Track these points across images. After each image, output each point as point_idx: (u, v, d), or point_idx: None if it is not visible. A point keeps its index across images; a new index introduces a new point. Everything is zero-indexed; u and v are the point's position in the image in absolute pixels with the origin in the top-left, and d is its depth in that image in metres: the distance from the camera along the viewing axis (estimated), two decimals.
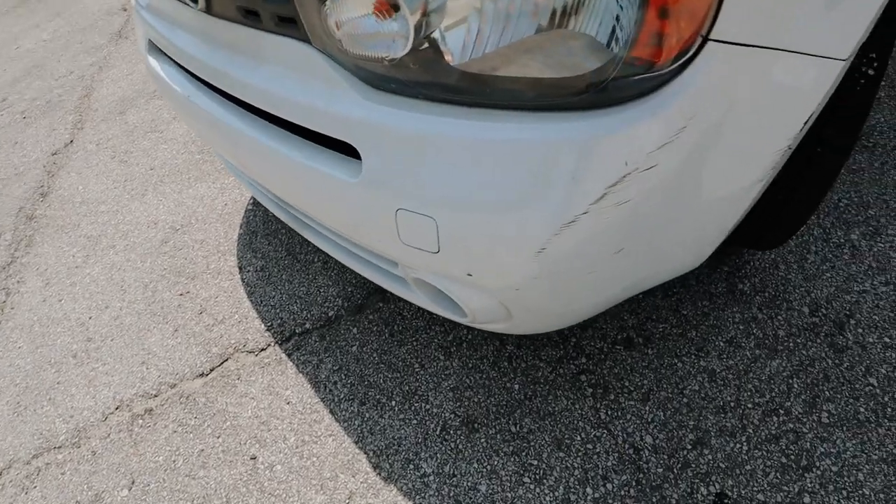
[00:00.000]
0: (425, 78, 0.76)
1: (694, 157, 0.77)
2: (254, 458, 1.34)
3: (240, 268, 1.72)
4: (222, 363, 1.52)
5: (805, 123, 0.84)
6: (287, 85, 0.91)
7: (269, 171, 1.06)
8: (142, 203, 2.02)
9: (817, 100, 0.83)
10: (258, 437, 1.36)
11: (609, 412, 1.23)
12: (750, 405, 1.19)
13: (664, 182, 0.77)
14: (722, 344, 1.29)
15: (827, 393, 1.18)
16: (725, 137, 0.78)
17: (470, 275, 0.87)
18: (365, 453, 1.29)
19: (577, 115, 0.72)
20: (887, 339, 1.24)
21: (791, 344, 1.26)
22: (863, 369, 1.21)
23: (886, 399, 1.15)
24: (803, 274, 1.37)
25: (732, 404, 1.20)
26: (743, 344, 1.28)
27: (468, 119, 0.75)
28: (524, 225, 0.76)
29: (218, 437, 1.39)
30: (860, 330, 1.26)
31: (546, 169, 0.72)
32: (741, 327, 1.31)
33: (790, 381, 1.21)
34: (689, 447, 1.16)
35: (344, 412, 1.36)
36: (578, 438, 1.21)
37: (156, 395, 1.50)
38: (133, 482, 1.37)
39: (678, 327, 1.34)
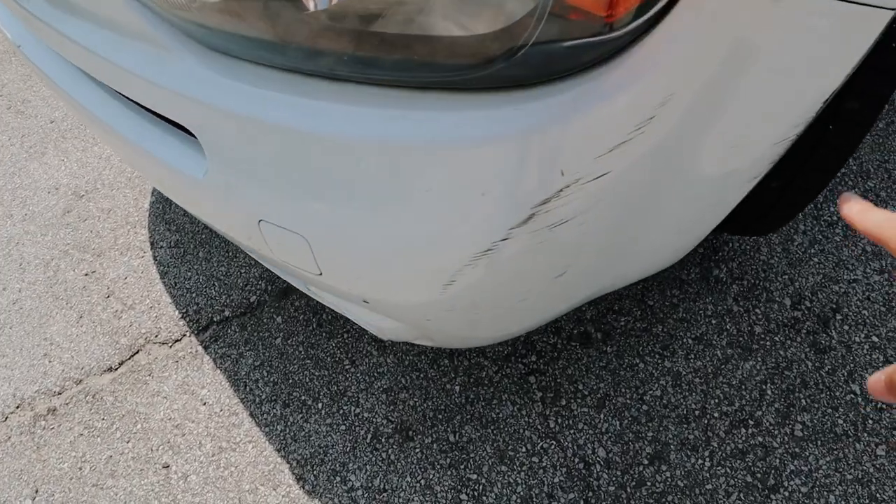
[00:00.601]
0: (264, 32, 0.52)
1: (664, 159, 0.56)
2: (166, 466, 1.19)
3: (151, 243, 1.49)
4: (132, 356, 1.33)
5: (825, 101, 0.62)
6: (110, 45, 0.65)
7: (122, 151, 0.82)
8: (41, 164, 1.74)
9: (847, 68, 0.60)
10: (171, 442, 1.21)
11: (559, 420, 1.09)
12: (716, 414, 1.05)
13: (620, 195, 0.56)
14: (690, 341, 1.13)
15: (803, 401, 1.04)
16: (711, 127, 0.57)
17: (366, 302, 0.67)
18: (288, 463, 1.14)
19: (483, 99, 0.49)
20: (875, 339, 1.09)
21: (768, 342, 1.11)
22: (845, 374, 1.06)
23: (868, 410, 1.02)
24: (788, 259, 1.19)
25: (697, 413, 1.06)
26: (714, 342, 1.12)
27: (337, 102, 0.51)
28: (424, 254, 0.56)
29: (128, 442, 1.23)
30: (846, 327, 1.10)
31: (446, 181, 0.50)
32: (713, 322, 1.14)
33: (763, 386, 1.07)
34: (646, 462, 1.03)
35: (266, 415, 1.20)
36: (524, 450, 1.07)
37: (59, 393, 1.32)
38: (37, 491, 1.22)
39: (643, 321, 1.17)
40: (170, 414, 1.24)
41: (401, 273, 0.58)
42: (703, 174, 0.64)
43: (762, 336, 1.11)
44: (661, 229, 0.71)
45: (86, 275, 1.49)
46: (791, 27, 0.52)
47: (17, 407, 1.32)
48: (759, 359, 1.08)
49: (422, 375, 1.18)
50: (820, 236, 1.20)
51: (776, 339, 1.10)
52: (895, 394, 0.31)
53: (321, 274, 0.66)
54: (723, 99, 0.55)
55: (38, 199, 1.67)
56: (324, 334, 1.27)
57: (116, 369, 1.33)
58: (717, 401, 1.05)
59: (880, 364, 1.05)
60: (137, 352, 1.34)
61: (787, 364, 1.07)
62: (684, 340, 1.12)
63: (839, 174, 1.27)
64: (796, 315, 1.12)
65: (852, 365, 1.06)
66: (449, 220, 0.52)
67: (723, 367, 1.09)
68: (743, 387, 1.06)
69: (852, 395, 1.02)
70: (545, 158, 0.49)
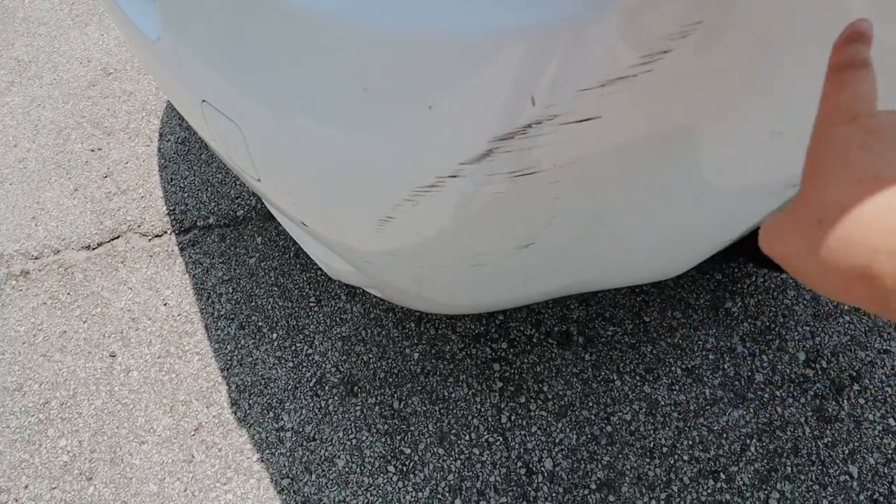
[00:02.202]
0: None
1: (672, 122, 0.41)
2: (113, 355, 1.13)
3: (160, 134, 1.41)
4: (112, 240, 1.27)
5: None
6: None
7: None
8: (82, 34, 1.67)
9: None
10: (124, 333, 1.14)
11: (513, 417, 0.97)
12: (686, 457, 0.91)
13: (608, 159, 0.42)
14: (679, 371, 0.98)
15: (789, 469, 0.88)
16: (750, 96, 0.42)
17: (305, 224, 0.56)
18: (227, 385, 1.06)
19: None
20: (892, 422, 0.91)
21: (766, 395, 0.95)
22: (846, 451, 0.89)
23: (861, 497, 0.86)
24: (815, 310, 1.02)
25: (665, 450, 0.92)
26: (705, 378, 0.97)
27: None
28: (358, 175, 0.43)
29: (84, 322, 1.17)
30: (861, 400, 0.93)
31: (387, 80, 0.37)
32: (710, 357, 0.99)
33: (748, 441, 0.91)
34: (594, 487, 0.90)
35: (219, 331, 1.12)
36: (467, 438, 0.96)
37: (37, 258, 1.27)
38: None
39: (632, 336, 1.02)
40: (130, 305, 1.17)
41: (333, 195, 0.46)
42: (722, 171, 0.49)
43: (762, 386, 0.95)
44: (656, 229, 0.55)
45: (91, 150, 1.42)
46: None
47: None
48: (752, 410, 0.93)
49: (383, 333, 1.07)
50: None
51: (777, 393, 0.94)
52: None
53: (259, 179, 0.55)
54: (776, 59, 0.39)
55: (69, 67, 1.61)
56: (298, 266, 1.17)
57: (94, 249, 1.27)
58: (690, 442, 0.91)
59: (890, 451, 0.88)
60: (118, 237, 1.27)
61: (782, 424, 0.91)
62: (673, 369, 0.97)
63: None
64: (807, 373, 0.95)
65: (856, 443, 0.89)
66: (387, 135, 0.39)
67: (708, 408, 0.93)
68: (724, 435, 0.91)
69: (847, 478, 0.86)
70: (513, 74, 0.35)
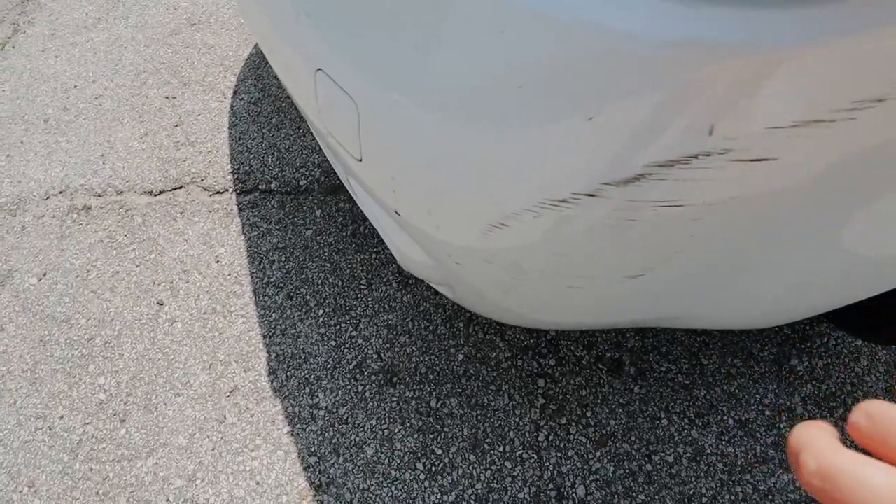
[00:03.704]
0: None
1: (847, 181, 0.36)
2: (161, 304, 1.12)
3: (235, 91, 1.39)
4: (174, 189, 1.26)
5: None
6: None
7: None
8: None
9: None
10: (174, 284, 1.13)
11: (551, 437, 0.92)
12: None
13: (764, 202, 0.37)
14: (731, 422, 0.92)
15: None
16: None
17: (398, 214, 0.52)
18: (268, 353, 1.04)
19: None
20: None
21: None
22: None
23: None
24: (888, 384, 0.94)
25: (705, 500, 0.86)
26: (758, 435, 0.91)
27: None
28: (483, 176, 0.39)
29: (137, 266, 1.17)
30: None
31: (544, 78, 0.33)
32: (766, 413, 0.93)
33: None
34: None
35: (267, 298, 1.10)
36: (501, 450, 0.92)
37: (100, 195, 1.27)
38: (45, 274, 1.18)
39: (687, 377, 0.96)
40: (183, 257, 1.16)
41: (444, 190, 0.42)
42: (872, 239, 0.43)
43: None
44: (777, 282, 0.50)
45: (166, 97, 1.41)
46: None
47: (60, 192, 1.29)
48: None
49: (431, 328, 1.03)
50: None
51: None
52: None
53: (361, 160, 0.51)
54: None
55: (155, 11, 1.60)
56: (354, 245, 1.14)
57: (156, 195, 1.26)
58: (733, 497, 0.85)
59: None
60: (180, 187, 1.26)
61: None
62: (724, 418, 0.92)
63: None
64: None
65: None
66: (529, 137, 0.34)
67: (756, 465, 0.88)
68: (770, 497, 0.85)
69: None
70: (698, 99, 0.30)
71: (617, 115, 0.31)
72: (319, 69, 0.49)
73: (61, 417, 0.99)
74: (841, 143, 0.31)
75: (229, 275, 1.12)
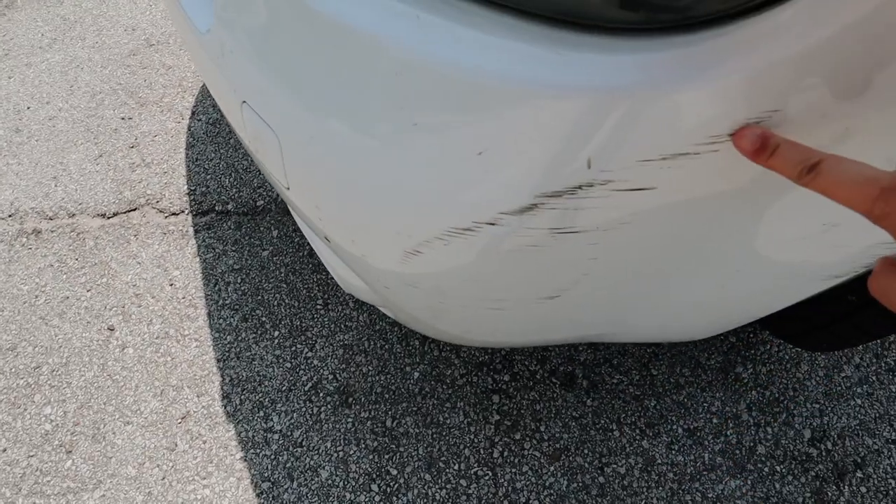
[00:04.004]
0: None
1: (730, 202, 0.38)
2: (111, 329, 1.09)
3: (192, 112, 1.38)
4: (128, 211, 1.24)
5: None
6: None
7: None
8: (130, 1, 1.66)
9: None
10: (125, 308, 1.11)
11: (506, 453, 0.92)
12: None
13: (655, 227, 0.39)
14: (680, 431, 0.94)
15: None
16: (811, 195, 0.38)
17: (328, 240, 0.52)
18: (221, 377, 1.02)
19: (509, 25, 0.32)
20: None
21: (766, 469, 0.90)
22: None
23: None
24: (827, 388, 0.97)
25: None
26: (706, 442, 0.93)
27: None
28: (393, 205, 0.40)
29: (88, 291, 1.14)
30: (863, 489, 0.89)
31: (438, 117, 0.34)
32: (714, 421, 0.95)
33: None
34: None
35: (222, 320, 1.08)
36: (455, 468, 0.92)
37: (51, 218, 1.24)
38: None
39: (637, 388, 0.98)
40: (136, 281, 1.14)
41: (363, 219, 0.43)
42: (769, 249, 0.45)
43: (763, 459, 0.90)
44: (691, 295, 0.52)
45: (122, 118, 1.40)
46: None
47: (10, 216, 1.25)
48: (749, 482, 0.88)
49: (386, 347, 1.03)
50: (874, 378, 0.98)
51: (777, 468, 0.90)
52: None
53: (289, 189, 0.51)
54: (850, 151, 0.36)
55: (113, 32, 1.58)
56: (310, 265, 1.13)
57: (109, 218, 1.24)
58: None
59: None
60: (135, 209, 1.24)
61: (779, 501, 0.87)
62: (674, 427, 0.93)
63: None
64: (811, 452, 0.91)
65: None
66: (429, 174, 0.36)
67: (705, 473, 0.89)
68: None
69: None
70: (573, 135, 0.32)
71: (502, 150, 0.33)
72: (244, 101, 0.49)
73: (4, 450, 0.95)
74: (712, 172, 0.33)
75: (183, 298, 1.10)
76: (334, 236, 0.49)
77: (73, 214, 1.24)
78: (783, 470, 0.89)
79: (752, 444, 0.91)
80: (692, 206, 0.36)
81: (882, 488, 0.88)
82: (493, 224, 0.36)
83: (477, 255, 0.39)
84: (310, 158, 0.43)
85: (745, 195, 0.36)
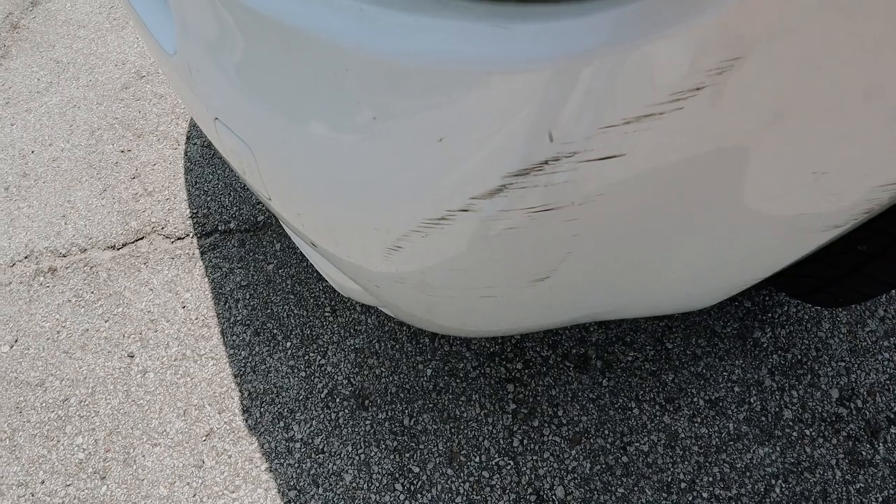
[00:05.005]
0: None
1: (705, 163, 0.36)
2: (132, 356, 1.12)
3: (188, 137, 1.40)
4: (136, 241, 1.26)
5: None
6: None
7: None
8: (118, 37, 1.68)
9: None
10: (143, 334, 1.13)
11: (525, 441, 0.92)
12: (706, 495, 0.84)
13: (632, 196, 0.37)
14: (701, 403, 0.92)
15: None
16: (789, 141, 0.37)
17: (314, 245, 0.52)
18: (240, 391, 1.04)
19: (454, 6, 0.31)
20: None
21: (795, 433, 0.88)
22: (879, 500, 0.82)
23: None
24: (852, 344, 0.94)
25: (683, 486, 0.86)
26: (730, 412, 0.90)
27: None
28: (368, 204, 0.39)
29: (106, 321, 1.17)
30: None
31: (395, 109, 0.33)
32: (736, 389, 0.92)
33: (773, 481, 0.85)
34: None
35: (235, 337, 1.10)
36: (477, 460, 0.91)
37: (65, 255, 1.28)
38: (16, 340, 1.18)
39: (653, 363, 0.96)
40: (150, 307, 1.17)
41: (342, 221, 0.42)
42: (759, 206, 0.44)
43: (790, 423, 0.88)
44: (685, 263, 0.50)
45: (122, 151, 1.43)
46: None
47: (26, 257, 1.29)
48: (778, 449, 0.86)
49: (397, 346, 1.03)
50: None
51: (807, 432, 0.87)
52: None
53: (270, 199, 0.52)
54: (820, 96, 0.34)
55: (105, 69, 1.62)
56: (315, 274, 1.14)
57: (119, 249, 1.26)
58: (711, 479, 0.85)
59: None
60: (142, 238, 1.27)
61: (811, 465, 0.84)
62: (695, 399, 0.91)
63: None
64: (841, 412, 0.88)
65: (892, 491, 0.82)
66: (395, 167, 0.35)
67: (731, 443, 0.87)
68: (748, 474, 0.85)
69: None
70: (529, 110, 0.31)
71: (462, 135, 0.32)
72: (216, 118, 0.49)
73: (42, 482, 0.99)
74: (680, 132, 0.32)
75: (196, 319, 1.12)
76: (319, 241, 0.49)
77: (85, 249, 1.27)
78: (813, 433, 0.86)
79: (777, 410, 0.89)
80: (667, 171, 0.34)
81: None
82: (466, 210, 0.35)
83: (456, 244, 0.38)
84: (283, 166, 0.43)
85: (721, 153, 0.34)
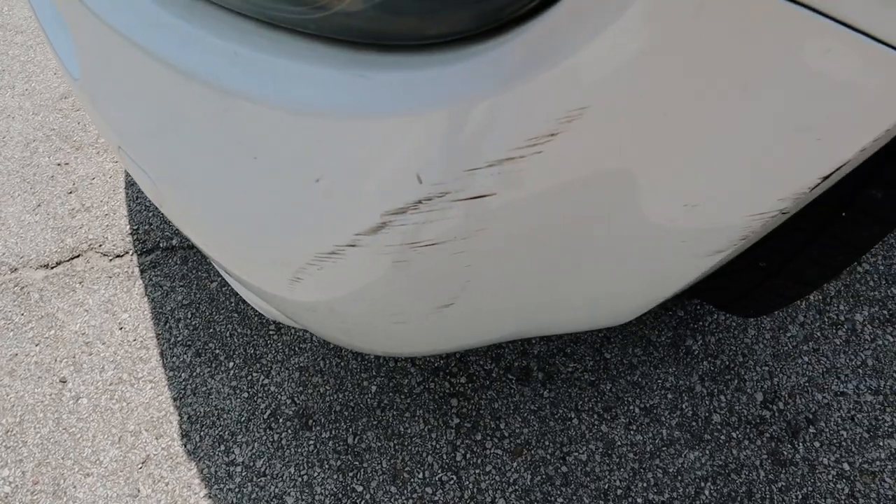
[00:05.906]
0: None
1: (576, 199, 0.38)
2: (63, 381, 1.06)
3: None
4: (71, 259, 1.21)
5: (824, 177, 0.42)
6: None
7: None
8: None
9: (863, 140, 0.40)
10: (76, 358, 1.08)
11: (468, 455, 0.92)
12: (640, 500, 0.87)
13: (513, 230, 0.38)
14: (637, 411, 0.94)
15: None
16: (649, 176, 0.39)
17: (228, 273, 0.52)
18: (179, 415, 1.01)
19: (320, 53, 0.31)
20: (846, 467, 0.88)
21: (723, 436, 0.92)
22: (799, 497, 0.86)
23: None
24: (774, 349, 0.99)
25: (619, 492, 0.88)
26: (663, 418, 0.94)
27: (201, 28, 0.34)
28: (263, 238, 0.39)
29: (36, 346, 1.11)
30: (817, 444, 0.90)
31: (274, 149, 0.33)
32: (669, 396, 0.96)
33: (702, 484, 0.88)
34: None
35: (175, 359, 1.06)
36: (420, 476, 0.91)
37: None
38: None
39: (592, 373, 0.98)
40: (85, 329, 1.12)
41: (244, 253, 0.42)
42: (640, 233, 0.45)
43: (718, 427, 0.91)
44: (586, 286, 0.52)
45: (58, 164, 1.36)
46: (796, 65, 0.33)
47: None
48: (708, 452, 0.89)
49: (342, 364, 1.02)
50: (818, 334, 0.99)
51: (733, 434, 0.91)
52: None
53: (178, 229, 0.51)
54: (672, 137, 0.36)
55: (42, 77, 1.54)
56: None
57: (52, 268, 1.21)
58: (645, 485, 0.87)
59: (843, 497, 0.85)
60: (78, 256, 1.22)
61: (737, 467, 0.88)
62: (631, 408, 0.94)
63: (862, 269, 1.06)
64: (764, 414, 0.92)
65: (810, 488, 0.86)
66: (279, 201, 0.35)
67: (664, 449, 0.90)
68: (679, 478, 0.88)
69: None
70: (395, 154, 0.31)
71: (337, 175, 0.32)
72: (120, 147, 0.48)
73: None
74: (544, 172, 0.33)
75: (134, 340, 1.08)
76: (231, 268, 0.48)
77: (16, 269, 1.20)
78: (739, 435, 0.90)
79: (707, 415, 0.92)
80: (540, 205, 0.36)
81: (835, 440, 0.90)
82: (353, 246, 0.36)
83: (352, 276, 0.38)
84: (183, 198, 0.42)
85: (588, 189, 0.36)
